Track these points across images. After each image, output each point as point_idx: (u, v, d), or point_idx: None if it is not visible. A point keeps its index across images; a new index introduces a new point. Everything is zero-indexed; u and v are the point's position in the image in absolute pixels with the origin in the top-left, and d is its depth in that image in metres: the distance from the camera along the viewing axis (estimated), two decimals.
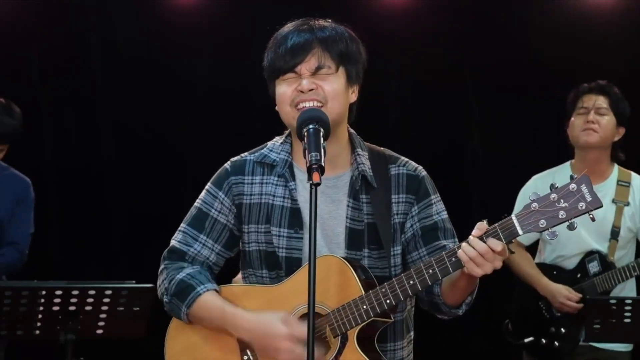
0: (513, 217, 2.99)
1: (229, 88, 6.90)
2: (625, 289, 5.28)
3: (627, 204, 5.22)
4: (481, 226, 2.99)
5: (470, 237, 2.99)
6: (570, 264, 5.28)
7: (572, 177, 2.99)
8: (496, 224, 3.00)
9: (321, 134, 3.01)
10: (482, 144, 7.00)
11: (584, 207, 2.95)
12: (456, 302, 3.19)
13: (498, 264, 3.00)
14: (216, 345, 3.25)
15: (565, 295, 5.19)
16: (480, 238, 2.98)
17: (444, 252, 3.06)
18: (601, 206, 2.97)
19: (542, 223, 2.97)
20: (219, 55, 6.95)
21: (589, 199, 2.95)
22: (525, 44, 6.83)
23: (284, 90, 3.19)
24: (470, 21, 6.89)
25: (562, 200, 2.96)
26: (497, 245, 2.96)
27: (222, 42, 6.91)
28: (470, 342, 6.89)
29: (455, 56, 6.96)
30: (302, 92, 3.15)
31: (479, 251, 2.97)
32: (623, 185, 5.25)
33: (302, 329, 3.04)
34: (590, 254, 5.22)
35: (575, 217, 2.95)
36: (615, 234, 5.21)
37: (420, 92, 7.00)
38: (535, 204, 2.98)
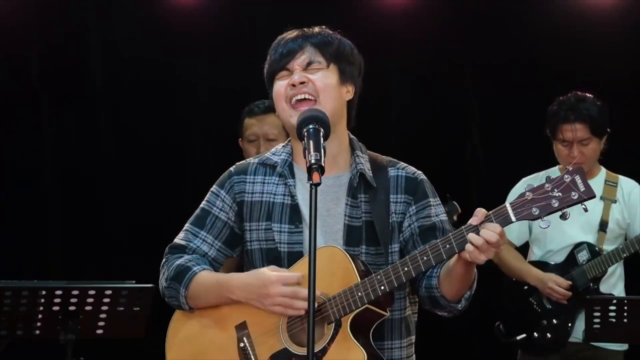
0: (507, 204, 3.05)
1: (229, 88, 6.89)
2: (616, 290, 5.32)
3: (615, 201, 5.29)
4: (479, 213, 3.05)
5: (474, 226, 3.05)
6: (559, 257, 5.34)
7: (567, 169, 3.04)
8: (490, 212, 3.06)
9: (321, 134, 3.05)
10: (482, 144, 7.00)
11: (577, 197, 3.01)
12: (455, 295, 3.21)
13: (496, 249, 3.05)
14: (214, 335, 3.31)
15: (553, 280, 5.24)
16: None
17: (438, 240, 3.11)
18: (594, 196, 3.03)
19: (535, 211, 3.03)
20: (219, 55, 6.95)
21: (582, 188, 3.01)
22: (525, 44, 6.83)
23: (278, 87, 3.29)
24: (471, 21, 6.89)
25: (555, 190, 3.02)
26: (496, 227, 3.02)
27: (222, 42, 6.91)
28: (472, 342, 6.90)
29: (456, 56, 6.96)
30: (293, 85, 3.25)
31: (485, 238, 3.01)
32: (610, 185, 5.33)
33: (290, 273, 3.16)
34: (578, 245, 5.28)
35: (568, 206, 3.01)
36: (603, 226, 5.28)
37: (420, 92, 7.00)
38: (529, 193, 3.04)
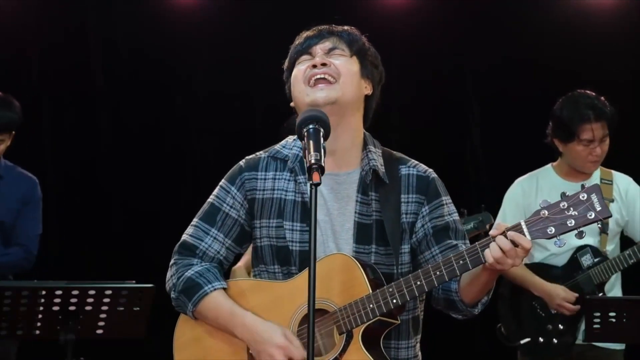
0: (522, 222, 3.02)
1: (229, 88, 6.90)
2: (614, 290, 5.31)
3: (612, 200, 5.27)
4: (499, 226, 3.03)
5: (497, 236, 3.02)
6: (562, 260, 5.29)
7: (582, 186, 3.01)
8: (505, 229, 3.02)
9: (321, 134, 3.01)
10: (482, 144, 7.00)
11: (593, 216, 2.98)
12: (473, 300, 3.21)
13: (520, 261, 3.04)
14: (223, 337, 3.27)
15: (562, 296, 5.18)
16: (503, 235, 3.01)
17: (452, 255, 3.09)
18: (610, 216, 3.02)
19: (551, 230, 3.00)
20: (219, 55, 6.95)
21: (598, 208, 2.98)
22: (526, 45, 6.83)
23: (297, 71, 3.26)
24: (471, 22, 6.89)
25: (571, 209, 2.99)
26: (524, 241, 3.00)
27: (223, 42, 6.91)
28: (474, 343, 6.90)
29: (456, 57, 6.96)
30: (314, 66, 3.21)
31: (502, 248, 3.00)
32: (606, 183, 5.30)
33: (299, 351, 3.10)
34: (581, 248, 5.25)
35: (584, 225, 2.98)
36: (604, 227, 5.25)
37: (420, 93, 7.00)
38: (544, 211, 3.00)
